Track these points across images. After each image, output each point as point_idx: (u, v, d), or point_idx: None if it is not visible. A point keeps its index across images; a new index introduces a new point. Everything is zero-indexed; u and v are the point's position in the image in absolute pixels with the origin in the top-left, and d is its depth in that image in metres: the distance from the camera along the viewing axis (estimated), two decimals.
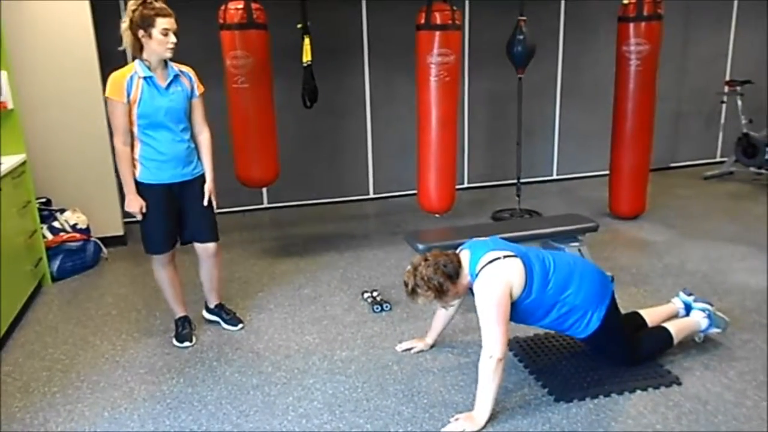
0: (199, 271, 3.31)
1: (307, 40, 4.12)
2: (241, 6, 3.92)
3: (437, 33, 4.09)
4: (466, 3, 5.60)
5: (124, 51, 4.92)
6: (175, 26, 2.82)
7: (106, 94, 2.83)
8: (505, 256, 2.55)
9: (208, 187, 3.11)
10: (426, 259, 2.60)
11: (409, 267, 2.64)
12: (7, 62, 3.76)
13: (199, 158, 3.09)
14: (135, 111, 2.84)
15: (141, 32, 2.78)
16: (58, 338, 3.31)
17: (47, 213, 4.22)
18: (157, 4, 2.79)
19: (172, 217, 3.06)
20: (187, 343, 3.17)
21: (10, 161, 3.65)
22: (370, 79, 5.57)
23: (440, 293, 2.57)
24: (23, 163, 3.83)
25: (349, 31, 5.43)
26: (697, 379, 2.73)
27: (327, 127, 5.54)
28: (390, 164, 5.78)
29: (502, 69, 5.12)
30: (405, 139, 5.44)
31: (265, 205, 5.63)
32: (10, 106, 3.78)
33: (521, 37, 4.62)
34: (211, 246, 3.19)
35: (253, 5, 3.95)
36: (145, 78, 2.83)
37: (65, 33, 4.24)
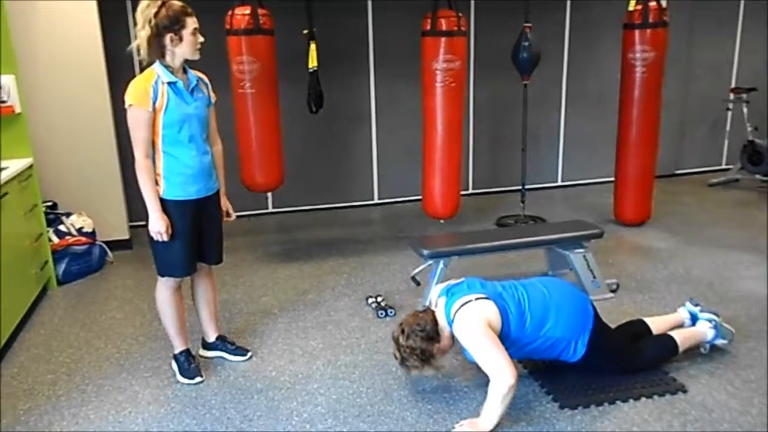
0: (195, 296, 3.04)
1: (313, 46, 4.14)
2: (248, 12, 3.94)
3: (443, 39, 4.11)
4: (472, 9, 5.62)
5: (131, 54, 4.93)
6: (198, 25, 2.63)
7: (130, 102, 2.55)
8: (476, 299, 2.56)
9: (225, 202, 2.97)
10: (402, 331, 2.60)
11: (392, 339, 2.67)
12: (14, 66, 3.79)
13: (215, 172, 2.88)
14: (160, 120, 2.59)
15: (170, 35, 2.55)
16: (63, 341, 3.32)
17: (53, 216, 4.24)
18: (178, 3, 2.57)
19: (196, 235, 2.79)
20: (198, 379, 2.88)
21: (17, 165, 3.66)
22: (376, 84, 5.59)
23: (426, 360, 2.58)
24: (30, 167, 3.84)
25: (354, 37, 5.45)
26: (703, 387, 2.72)
27: (332, 132, 5.56)
28: (395, 170, 5.79)
29: (508, 75, 5.13)
30: (410, 144, 5.45)
31: (270, 209, 5.64)
32: (17, 110, 3.80)
33: (526, 43, 4.63)
34: (213, 266, 3.01)
35: (260, 11, 3.98)
36: (169, 83, 2.59)
37: (72, 36, 4.26)
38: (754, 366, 2.87)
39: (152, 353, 3.16)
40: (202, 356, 3.10)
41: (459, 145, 4.40)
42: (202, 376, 2.90)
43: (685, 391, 2.68)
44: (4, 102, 3.69)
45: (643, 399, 2.63)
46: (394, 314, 3.50)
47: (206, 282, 3.02)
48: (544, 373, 2.84)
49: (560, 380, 2.77)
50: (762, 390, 2.68)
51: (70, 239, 4.18)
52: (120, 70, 4.77)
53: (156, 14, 2.54)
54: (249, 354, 3.10)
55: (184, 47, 2.60)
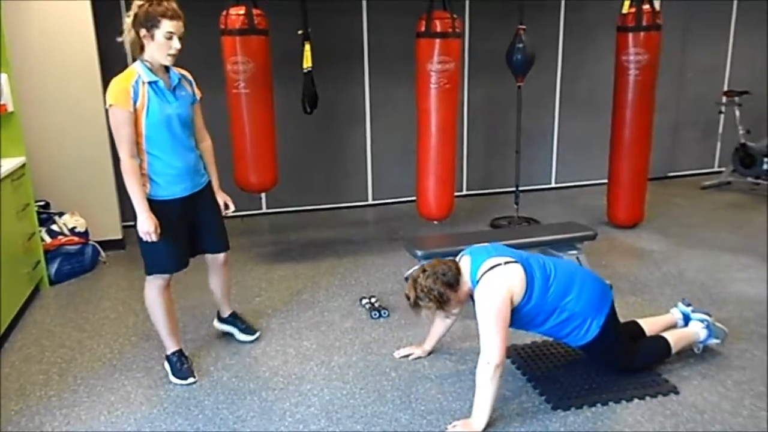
0: (209, 281, 3.17)
1: (307, 46, 4.13)
2: (242, 12, 3.94)
3: (437, 41, 4.12)
4: (467, 11, 5.63)
5: (124, 54, 4.93)
6: (181, 30, 2.57)
7: (110, 102, 2.53)
8: (506, 262, 2.56)
9: (222, 195, 3.00)
10: (424, 270, 2.59)
11: (408, 280, 2.64)
12: (7, 65, 3.77)
13: (204, 167, 2.91)
14: (142, 120, 2.57)
15: (143, 31, 2.53)
16: (55, 341, 3.30)
17: (46, 216, 4.22)
18: (166, 4, 2.53)
19: (185, 232, 2.83)
20: (191, 379, 2.87)
21: (10, 164, 3.65)
22: (370, 85, 5.59)
23: (442, 303, 2.57)
24: (23, 166, 3.83)
25: (349, 37, 5.45)
26: (695, 388, 2.73)
27: (327, 133, 5.55)
28: (389, 171, 5.79)
29: (502, 77, 5.14)
30: (404, 145, 5.45)
31: (264, 210, 5.63)
32: (10, 108, 3.78)
33: (521, 45, 4.64)
34: (222, 255, 3.06)
35: (255, 11, 3.97)
36: (150, 83, 2.58)
37: (66, 35, 4.25)
38: (746, 367, 2.88)
39: (145, 353, 3.15)
40: (215, 327, 3.30)
41: (453, 146, 4.40)
42: (194, 377, 2.89)
43: (677, 393, 2.69)
44: None
45: (636, 400, 2.64)
46: (388, 315, 3.50)
47: (220, 270, 3.12)
48: (536, 373, 2.85)
49: (553, 381, 2.78)
50: (753, 392, 2.69)
51: (62, 239, 4.16)
52: (113, 69, 4.73)
53: (140, 6, 2.54)
54: (257, 334, 3.25)
55: (153, 48, 2.57)
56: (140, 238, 2.70)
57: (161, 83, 2.62)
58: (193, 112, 2.80)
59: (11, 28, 4.00)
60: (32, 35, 4.19)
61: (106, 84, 4.34)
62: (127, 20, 2.58)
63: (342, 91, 5.50)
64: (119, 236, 4.65)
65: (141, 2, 2.54)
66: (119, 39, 2.62)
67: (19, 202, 3.72)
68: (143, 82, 2.57)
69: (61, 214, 4.30)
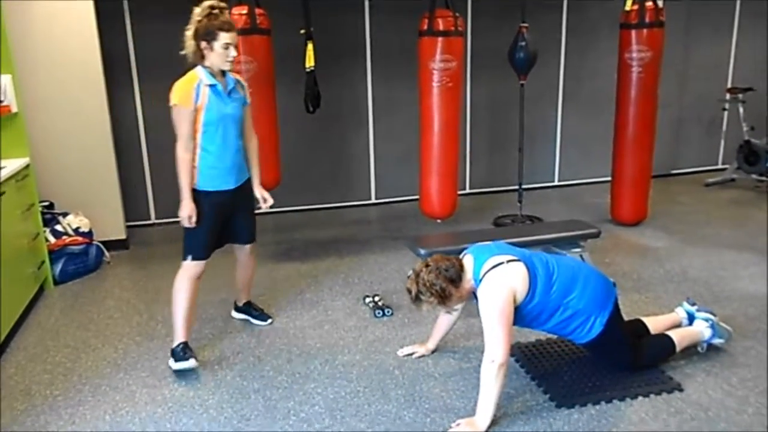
0: (237, 270, 3.40)
1: (310, 46, 4.14)
2: (245, 11, 3.94)
3: (440, 39, 4.12)
4: (469, 9, 5.63)
5: (128, 54, 4.94)
6: (236, 40, 2.88)
7: (174, 102, 2.84)
8: (508, 261, 2.56)
9: (261, 191, 3.25)
10: (427, 265, 2.60)
11: (410, 274, 2.64)
12: (11, 66, 3.78)
13: (246, 165, 3.16)
14: (201, 118, 2.87)
15: (203, 43, 2.83)
16: (60, 341, 3.31)
17: (50, 216, 4.23)
18: (222, 18, 2.84)
19: (221, 223, 3.08)
20: (192, 360, 2.92)
21: (14, 164, 3.66)
22: (373, 84, 5.59)
23: (443, 298, 2.57)
24: (27, 167, 3.84)
25: (351, 36, 5.45)
26: (699, 386, 2.72)
27: (329, 132, 5.56)
28: (392, 169, 5.79)
29: (504, 75, 5.14)
30: (407, 144, 5.46)
31: (267, 209, 5.62)
32: (14, 109, 3.79)
33: (523, 43, 4.64)
34: (248, 246, 3.30)
35: (257, 10, 3.98)
36: (210, 86, 2.87)
37: (69, 36, 4.26)
38: (751, 365, 2.88)
39: (149, 353, 3.16)
40: (232, 317, 3.51)
41: (456, 144, 4.41)
42: (196, 360, 2.95)
43: (681, 390, 2.69)
44: (0, 102, 3.68)
45: (640, 398, 2.64)
46: (391, 314, 3.50)
47: (248, 260, 3.37)
48: (541, 371, 2.85)
49: (557, 379, 2.77)
50: (758, 389, 2.69)
51: (66, 239, 4.17)
52: (117, 69, 4.79)
53: (199, 21, 2.83)
54: (270, 320, 3.47)
55: (213, 57, 2.86)
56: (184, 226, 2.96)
57: (219, 87, 2.91)
58: (244, 114, 3.08)
59: (14, 28, 4.00)
60: (35, 36, 4.20)
61: (109, 84, 4.42)
62: (188, 33, 2.86)
63: (344, 90, 5.50)
64: (123, 236, 4.65)
65: (199, 18, 2.83)
66: (182, 52, 2.87)
67: (24, 203, 3.73)
68: (204, 85, 2.87)
69: (65, 215, 4.31)
